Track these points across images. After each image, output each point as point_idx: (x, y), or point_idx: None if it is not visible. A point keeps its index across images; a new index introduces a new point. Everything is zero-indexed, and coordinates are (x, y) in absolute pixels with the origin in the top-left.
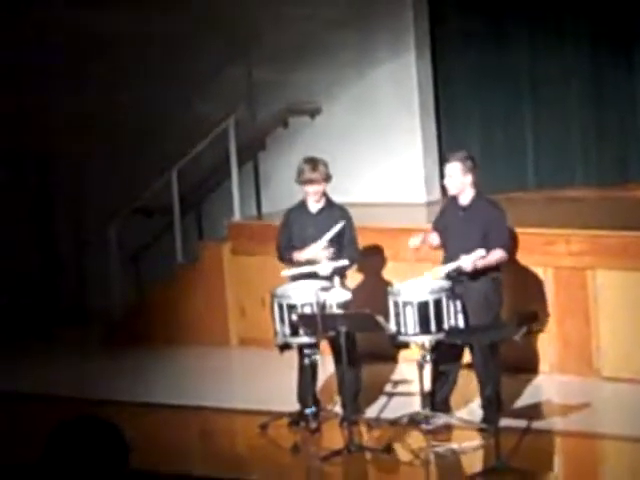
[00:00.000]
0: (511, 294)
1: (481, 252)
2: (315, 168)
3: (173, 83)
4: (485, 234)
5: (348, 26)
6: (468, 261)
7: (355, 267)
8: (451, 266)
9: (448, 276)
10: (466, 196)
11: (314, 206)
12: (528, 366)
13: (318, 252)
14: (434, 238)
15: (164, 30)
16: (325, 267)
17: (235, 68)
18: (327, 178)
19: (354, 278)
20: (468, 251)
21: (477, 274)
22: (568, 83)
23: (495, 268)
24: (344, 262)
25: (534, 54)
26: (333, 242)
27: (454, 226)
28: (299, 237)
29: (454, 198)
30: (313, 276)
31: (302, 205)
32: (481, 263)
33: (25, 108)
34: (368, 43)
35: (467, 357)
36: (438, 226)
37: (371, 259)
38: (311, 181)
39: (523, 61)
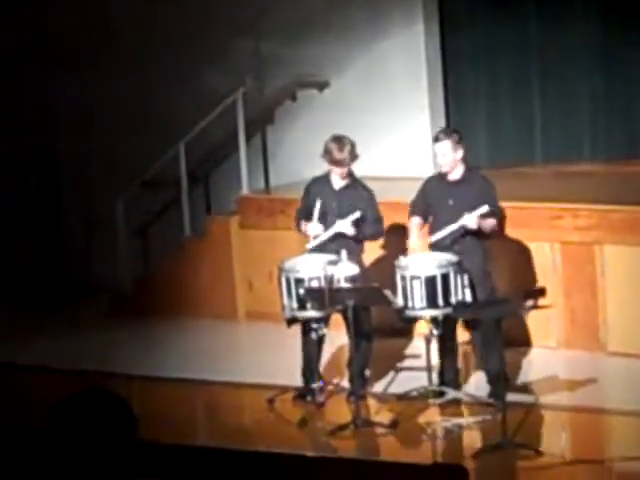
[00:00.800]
0: (518, 269)
1: (485, 208)
2: (342, 148)
3: (181, 56)
4: (480, 205)
5: None
6: (473, 218)
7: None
8: (454, 226)
9: (441, 245)
10: (458, 171)
11: (338, 183)
12: (535, 341)
13: (318, 232)
14: (418, 223)
15: (172, 2)
16: (342, 225)
17: (243, 41)
18: (354, 158)
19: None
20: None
21: (474, 246)
22: (577, 57)
23: (486, 239)
24: (356, 214)
25: (542, 28)
26: (356, 220)
27: (447, 202)
28: (323, 210)
29: (439, 175)
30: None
31: (326, 179)
32: (485, 224)
33: (30, 84)
34: (377, 16)
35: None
36: (422, 204)
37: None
38: (337, 162)
39: (531, 35)
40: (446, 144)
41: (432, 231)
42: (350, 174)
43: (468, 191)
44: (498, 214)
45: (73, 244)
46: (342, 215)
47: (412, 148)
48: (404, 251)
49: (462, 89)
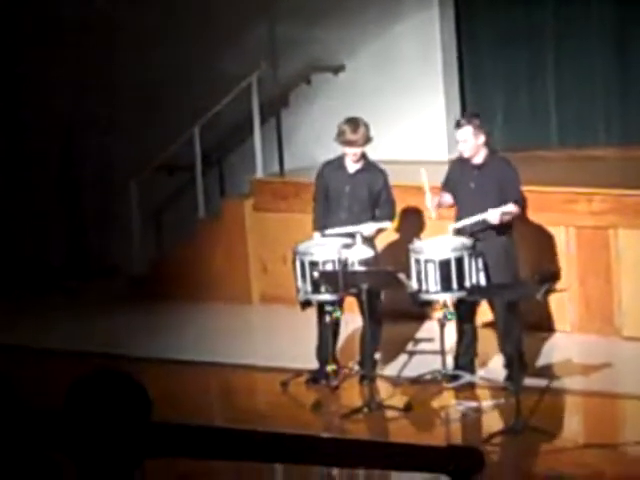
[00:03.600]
0: (533, 253)
1: (511, 207)
2: (356, 130)
3: (196, 40)
4: (501, 190)
5: None
6: (496, 214)
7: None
8: (476, 218)
9: (463, 231)
10: (480, 156)
11: (352, 166)
12: (549, 325)
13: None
14: (448, 197)
15: None
16: (369, 228)
17: (258, 24)
18: (367, 140)
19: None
20: (485, 208)
21: (498, 229)
22: (592, 41)
23: (510, 225)
24: (387, 224)
25: (558, 12)
26: (369, 202)
27: (468, 185)
28: (335, 194)
29: (463, 158)
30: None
31: (340, 162)
32: (507, 217)
33: (52, 69)
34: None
35: (488, 315)
36: (448, 186)
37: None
38: (351, 143)
39: (547, 19)
40: (467, 130)
41: (457, 214)
42: (364, 157)
43: (490, 176)
44: (520, 201)
45: (89, 227)
46: (356, 199)
47: (427, 132)
48: (418, 235)
49: (477, 73)
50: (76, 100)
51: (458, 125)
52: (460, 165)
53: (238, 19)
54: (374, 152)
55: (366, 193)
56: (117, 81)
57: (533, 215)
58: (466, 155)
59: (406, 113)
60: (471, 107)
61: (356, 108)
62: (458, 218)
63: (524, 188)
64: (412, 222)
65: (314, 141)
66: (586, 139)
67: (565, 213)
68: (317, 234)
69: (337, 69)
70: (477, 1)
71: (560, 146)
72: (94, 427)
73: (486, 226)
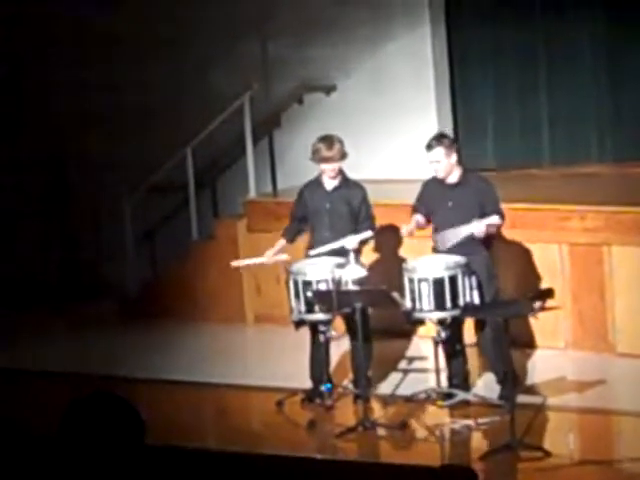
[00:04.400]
0: (526, 270)
1: (494, 218)
2: (331, 146)
3: (188, 60)
4: (481, 206)
5: (363, 1)
6: (481, 226)
7: (371, 242)
8: (463, 234)
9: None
10: (454, 175)
11: (330, 183)
12: (543, 342)
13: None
14: (420, 218)
15: (179, 5)
16: (351, 241)
17: (250, 44)
18: (343, 156)
19: (369, 254)
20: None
21: (480, 246)
22: (583, 59)
23: (491, 243)
24: (368, 234)
25: (549, 29)
26: (349, 218)
27: (446, 204)
28: (315, 214)
29: (435, 179)
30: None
31: (317, 182)
32: (492, 229)
33: (34, 86)
34: (383, 18)
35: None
36: (421, 207)
37: (386, 235)
38: (327, 159)
39: (538, 36)
40: (439, 151)
41: (435, 232)
42: (341, 173)
43: (467, 193)
44: (501, 213)
45: (81, 248)
46: (336, 215)
47: (419, 151)
48: (403, 252)
49: (469, 91)
50: (65, 118)
51: (429, 147)
52: (435, 185)
53: (230, 38)
54: (366, 170)
55: (346, 209)
56: (107, 101)
57: (526, 233)
58: (440, 176)
59: (398, 132)
60: (462, 126)
61: (348, 127)
62: (437, 235)
63: (517, 206)
64: (403, 240)
65: (307, 161)
66: (578, 156)
67: (558, 230)
68: (282, 241)
69: (329, 89)
70: (468, 19)
71: (552, 164)
72: (87, 450)
73: (469, 241)
